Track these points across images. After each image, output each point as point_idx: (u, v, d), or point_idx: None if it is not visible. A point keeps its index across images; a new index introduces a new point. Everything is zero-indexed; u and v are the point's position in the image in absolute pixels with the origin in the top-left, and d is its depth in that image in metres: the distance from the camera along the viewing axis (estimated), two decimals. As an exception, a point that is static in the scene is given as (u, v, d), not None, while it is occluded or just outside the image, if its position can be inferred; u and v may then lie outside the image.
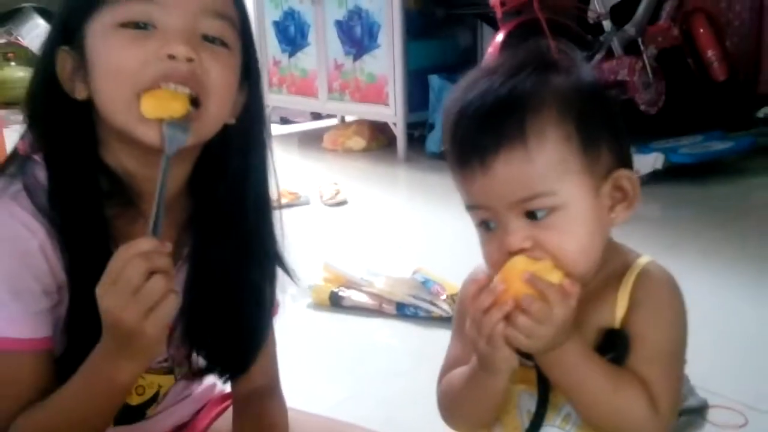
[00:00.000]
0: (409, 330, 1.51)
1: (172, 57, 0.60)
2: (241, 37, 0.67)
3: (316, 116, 3.99)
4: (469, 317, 0.61)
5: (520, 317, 0.57)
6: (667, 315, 0.63)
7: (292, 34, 3.48)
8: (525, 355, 0.63)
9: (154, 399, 0.77)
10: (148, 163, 0.64)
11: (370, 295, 1.58)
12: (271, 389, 0.81)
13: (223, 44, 0.64)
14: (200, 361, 0.76)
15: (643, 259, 0.65)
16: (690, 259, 1.75)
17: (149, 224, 0.60)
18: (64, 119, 0.65)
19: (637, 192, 0.63)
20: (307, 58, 3.43)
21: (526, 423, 0.66)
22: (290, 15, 3.48)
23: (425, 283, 1.56)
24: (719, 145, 2.55)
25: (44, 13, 4.80)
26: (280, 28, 3.54)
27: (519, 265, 0.58)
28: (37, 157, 0.66)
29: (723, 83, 2.79)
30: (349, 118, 3.61)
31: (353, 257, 1.78)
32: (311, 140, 3.48)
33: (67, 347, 0.66)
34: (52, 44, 0.66)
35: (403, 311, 1.55)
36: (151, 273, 0.57)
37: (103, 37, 0.62)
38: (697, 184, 2.41)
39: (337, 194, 2.46)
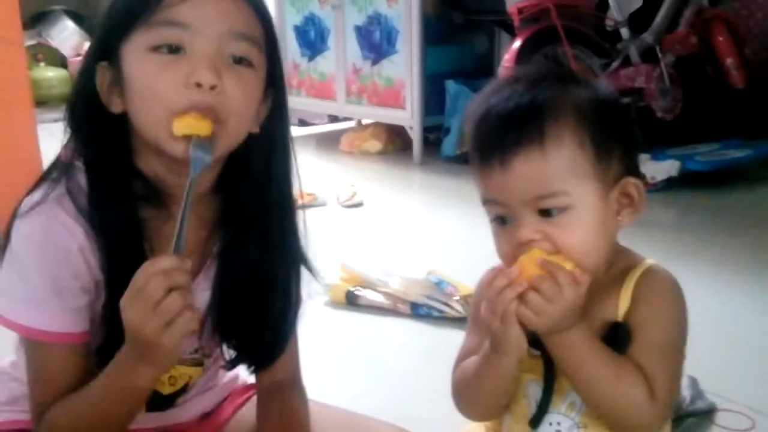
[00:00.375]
0: (423, 329, 1.54)
1: (199, 84, 0.65)
2: (267, 50, 0.71)
3: (333, 119, 4.04)
4: (484, 301, 0.65)
5: (532, 294, 0.62)
6: (667, 311, 0.67)
7: (312, 39, 3.54)
8: (533, 345, 0.67)
9: (184, 389, 0.81)
10: (177, 171, 0.69)
11: (386, 294, 1.61)
12: (293, 382, 0.85)
13: (248, 64, 0.69)
14: (229, 353, 0.80)
15: (648, 261, 0.69)
16: (703, 266, 1.76)
17: (172, 242, 0.63)
18: (102, 129, 0.70)
19: (642, 198, 0.67)
20: (326, 62, 3.49)
21: (534, 411, 0.69)
22: (311, 20, 3.53)
23: (439, 284, 1.58)
24: (737, 153, 2.55)
25: (74, 16, 4.93)
26: (301, 32, 3.60)
27: (535, 254, 0.63)
28: (78, 163, 0.71)
29: (741, 91, 2.78)
30: (365, 121, 3.65)
31: (369, 258, 1.81)
32: (328, 142, 3.52)
33: (105, 339, 0.70)
34: (92, 59, 0.71)
35: (417, 311, 1.57)
36: (171, 289, 0.60)
37: (138, 60, 0.67)
38: (713, 192, 2.41)
39: (353, 196, 2.50)
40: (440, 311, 1.54)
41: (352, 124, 3.82)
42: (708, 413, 1.13)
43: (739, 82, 2.76)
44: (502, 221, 0.66)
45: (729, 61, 2.74)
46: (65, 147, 0.73)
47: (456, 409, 0.75)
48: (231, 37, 0.67)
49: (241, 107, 0.68)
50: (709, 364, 1.22)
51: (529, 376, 0.70)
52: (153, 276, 0.60)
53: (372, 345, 1.50)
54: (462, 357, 0.75)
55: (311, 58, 3.58)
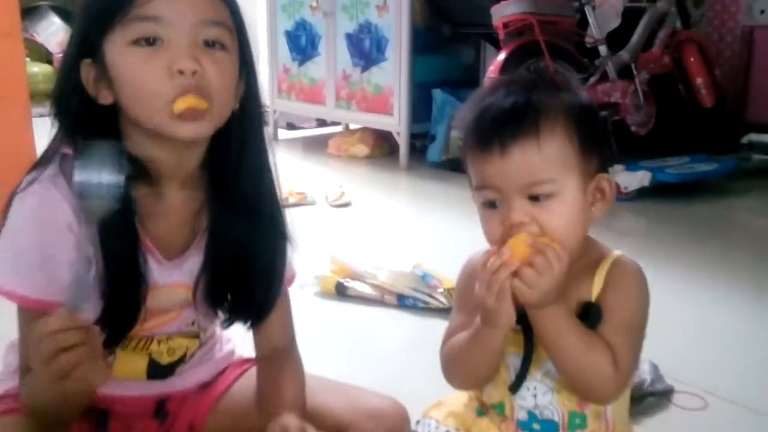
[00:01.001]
0: (408, 319, 1.61)
1: (181, 72, 0.72)
2: (237, 35, 0.77)
3: (321, 123, 4.12)
4: (478, 280, 0.72)
5: (526, 269, 0.70)
6: (633, 296, 0.75)
7: (303, 44, 3.61)
8: (516, 321, 0.74)
9: (182, 359, 0.88)
10: (170, 149, 0.76)
11: (373, 286, 1.68)
12: (289, 348, 0.91)
13: (222, 46, 0.75)
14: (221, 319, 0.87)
15: (616, 252, 0.78)
16: (672, 270, 1.87)
17: (67, 300, 0.66)
18: (92, 120, 0.76)
19: (612, 194, 0.76)
20: (317, 68, 3.56)
21: (514, 378, 0.78)
22: (302, 26, 3.60)
23: (424, 277, 1.66)
24: (704, 167, 2.68)
25: (60, 12, 4.92)
26: (292, 37, 3.66)
27: (523, 237, 0.71)
28: (68, 150, 0.77)
29: (710, 109, 2.91)
30: (352, 126, 3.72)
31: (357, 253, 1.88)
32: (316, 145, 3.60)
33: (103, 311, 0.76)
34: (74, 57, 0.76)
35: (403, 302, 1.65)
36: (62, 349, 0.63)
37: (121, 55, 0.73)
38: (682, 202, 2.54)
39: (342, 196, 2.58)
40: (425, 302, 1.62)
41: (339, 128, 3.90)
42: (666, 394, 1.23)
43: (709, 101, 2.89)
44: (491, 205, 0.74)
45: (699, 81, 2.88)
46: (54, 140, 0.78)
47: (445, 382, 0.81)
48: (203, 24, 0.74)
49: (221, 86, 0.74)
50: (670, 352, 1.34)
51: (510, 349, 0.78)
52: (42, 338, 0.63)
53: (359, 333, 1.57)
54: (449, 334, 0.83)
55: (302, 63, 3.65)
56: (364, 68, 3.29)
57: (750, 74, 3.25)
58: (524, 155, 0.71)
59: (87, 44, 0.75)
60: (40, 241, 0.74)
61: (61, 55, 2.96)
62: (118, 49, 0.73)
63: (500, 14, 2.61)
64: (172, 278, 0.81)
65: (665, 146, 2.88)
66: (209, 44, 0.74)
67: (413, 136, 3.22)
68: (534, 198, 0.72)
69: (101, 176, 0.71)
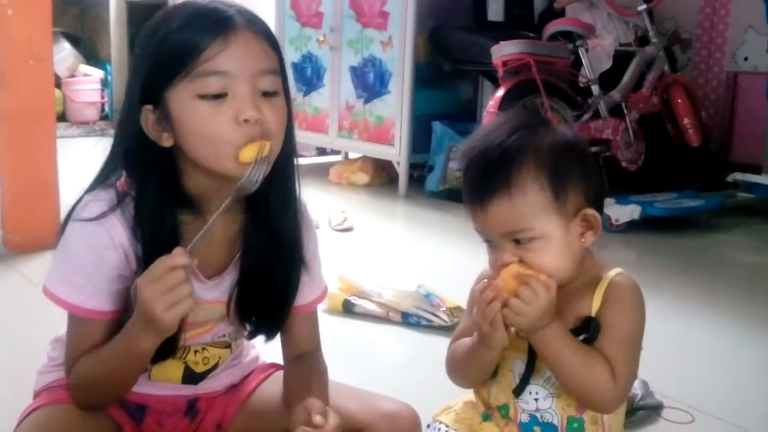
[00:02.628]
0: (412, 336, 1.67)
1: (247, 121, 0.78)
2: (282, 76, 0.83)
3: (321, 152, 4.23)
4: (476, 306, 0.80)
5: (513, 299, 0.77)
6: (630, 311, 0.81)
7: (309, 75, 3.70)
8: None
9: (214, 367, 0.95)
10: (221, 181, 0.84)
11: (379, 304, 1.75)
12: (315, 353, 0.98)
13: (275, 92, 0.82)
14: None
15: (615, 270, 0.84)
16: (661, 299, 1.94)
17: (191, 244, 0.78)
18: (151, 160, 0.82)
19: (599, 223, 0.82)
20: (321, 98, 3.65)
21: (517, 382, 0.85)
22: (309, 58, 3.72)
23: (428, 296, 1.73)
24: (691, 203, 2.77)
25: (70, 38, 5.00)
26: (298, 69, 3.75)
27: (513, 269, 0.79)
28: (123, 184, 0.84)
29: (696, 149, 3.01)
30: (352, 155, 3.82)
31: (361, 273, 1.93)
32: (317, 173, 3.67)
33: None
34: (136, 103, 0.81)
35: (407, 320, 1.71)
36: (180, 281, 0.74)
37: (188, 107, 0.78)
38: (670, 236, 2.63)
39: (344, 221, 2.65)
40: (428, 320, 1.68)
41: (339, 157, 4.01)
42: (656, 408, 1.30)
43: (695, 140, 2.99)
44: (490, 243, 0.83)
45: (686, 121, 2.98)
46: (105, 170, 0.85)
47: (445, 394, 0.89)
48: (261, 74, 0.80)
49: (279, 129, 0.82)
50: (660, 371, 1.41)
51: (515, 354, 0.84)
52: (175, 269, 0.74)
53: (365, 349, 1.62)
54: (457, 336, 0.90)
55: (306, 93, 3.74)
56: (367, 100, 3.39)
57: (734, 117, 3.39)
58: (500, 210, 0.78)
59: (149, 92, 0.81)
60: (94, 257, 0.82)
61: (70, 79, 3.09)
62: (184, 100, 0.79)
63: (500, 53, 2.74)
64: (212, 296, 0.88)
65: (654, 182, 2.97)
66: (265, 93, 0.81)
67: (412, 167, 3.30)
68: (518, 241, 0.79)
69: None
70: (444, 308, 1.69)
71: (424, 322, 1.70)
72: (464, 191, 0.83)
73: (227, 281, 0.89)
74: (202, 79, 0.78)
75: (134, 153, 0.83)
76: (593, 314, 0.81)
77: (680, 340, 1.72)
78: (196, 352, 0.92)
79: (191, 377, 0.93)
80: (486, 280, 0.81)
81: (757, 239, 2.72)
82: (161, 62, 0.79)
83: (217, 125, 0.78)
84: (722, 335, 1.77)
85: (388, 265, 2.27)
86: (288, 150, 0.87)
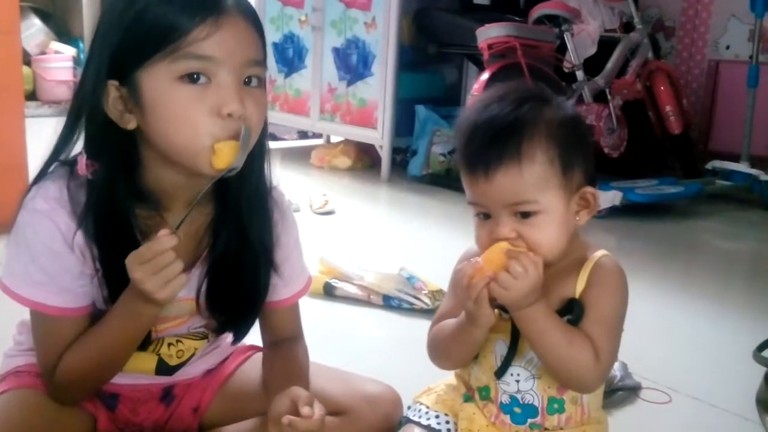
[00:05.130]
0: (393, 319, 1.67)
1: (230, 115, 0.73)
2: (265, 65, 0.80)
3: (302, 135, 4.18)
4: (458, 285, 0.80)
5: (502, 273, 0.76)
6: (614, 293, 0.82)
7: (290, 56, 3.65)
8: (504, 310, 0.82)
9: (190, 358, 0.92)
10: (185, 175, 0.79)
11: (360, 287, 1.73)
12: (296, 338, 0.97)
13: (259, 82, 0.78)
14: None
15: (600, 251, 0.85)
16: (640, 280, 1.95)
17: (175, 226, 0.75)
18: (109, 141, 0.76)
19: (597, 203, 0.82)
20: (302, 80, 3.60)
21: (499, 364, 0.85)
22: (290, 38, 3.66)
23: (410, 279, 1.72)
24: (671, 189, 2.80)
25: (41, 14, 4.87)
26: (279, 49, 3.70)
27: (502, 245, 0.78)
28: (78, 165, 0.77)
29: (678, 136, 3.05)
30: (334, 139, 3.78)
31: (342, 256, 1.92)
32: (298, 156, 3.64)
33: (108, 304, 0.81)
34: (101, 75, 0.75)
35: (388, 303, 1.70)
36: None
37: (166, 89, 0.73)
38: (650, 222, 2.66)
39: (326, 204, 2.63)
40: (410, 303, 1.67)
41: (320, 141, 3.97)
42: (634, 389, 1.32)
43: (677, 128, 3.02)
44: (484, 216, 0.81)
45: (668, 108, 3.01)
46: (57, 150, 0.79)
47: (425, 376, 0.88)
48: (249, 64, 0.75)
49: (259, 123, 0.79)
50: (638, 353, 1.42)
51: (497, 335, 0.84)
52: (167, 251, 0.72)
53: (346, 332, 1.61)
54: (439, 317, 0.90)
55: (288, 74, 3.69)
56: (350, 82, 3.36)
57: (714, 106, 3.42)
58: (507, 180, 0.77)
59: (117, 66, 0.74)
60: (51, 262, 0.78)
61: (40, 56, 2.98)
62: (160, 81, 0.73)
63: (485, 36, 2.72)
64: (180, 293, 0.83)
65: (635, 169, 3.01)
66: (248, 82, 0.76)
67: (394, 151, 3.28)
68: (519, 214, 0.78)
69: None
70: (426, 291, 1.69)
71: (405, 305, 1.69)
72: (464, 162, 0.81)
73: (195, 278, 0.86)
74: (186, 61, 0.72)
75: (91, 133, 0.77)
76: (577, 295, 0.81)
77: (658, 322, 1.74)
78: (170, 345, 0.89)
79: (165, 369, 0.90)
80: (474, 258, 0.80)
81: (733, 226, 2.76)
82: (138, 37, 0.73)
83: (196, 112, 0.73)
84: (699, 317, 1.80)
85: (370, 248, 2.26)
86: (261, 142, 0.83)
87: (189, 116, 0.73)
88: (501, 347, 0.85)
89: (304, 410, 0.77)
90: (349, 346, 1.54)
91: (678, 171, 3.12)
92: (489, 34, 2.71)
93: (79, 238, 0.77)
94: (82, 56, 4.81)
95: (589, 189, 0.81)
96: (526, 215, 0.78)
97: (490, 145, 0.77)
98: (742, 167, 2.94)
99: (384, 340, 1.60)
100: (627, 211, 2.66)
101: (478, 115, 0.80)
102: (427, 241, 2.39)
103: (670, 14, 3.60)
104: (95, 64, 0.76)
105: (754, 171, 2.90)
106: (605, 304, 0.81)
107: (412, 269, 1.79)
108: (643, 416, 1.27)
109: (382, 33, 3.18)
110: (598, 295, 0.80)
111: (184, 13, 0.72)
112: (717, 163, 3.04)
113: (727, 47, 3.45)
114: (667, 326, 1.73)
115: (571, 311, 0.81)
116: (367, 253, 2.15)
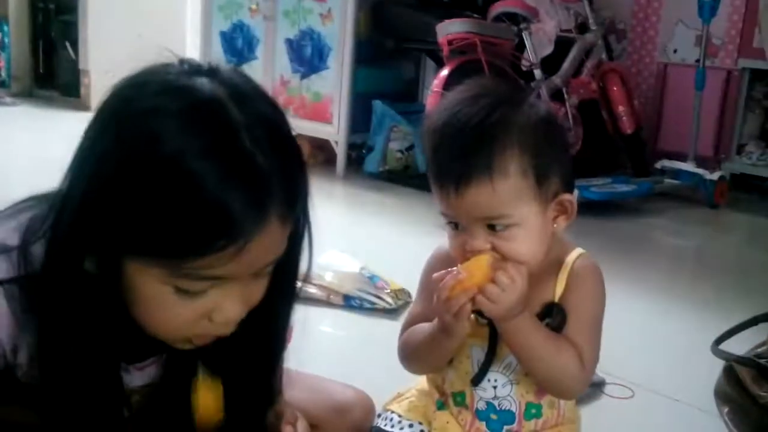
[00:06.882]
0: (354, 320, 1.62)
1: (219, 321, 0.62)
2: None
3: (255, 129, 4.06)
4: (436, 295, 0.75)
5: (489, 286, 0.72)
6: (593, 296, 0.80)
7: (239, 47, 3.53)
8: (481, 315, 0.78)
9: None
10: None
11: (319, 287, 1.67)
12: None
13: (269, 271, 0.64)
14: None
15: (577, 251, 0.82)
16: None
17: None
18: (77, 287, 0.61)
19: (574, 209, 0.79)
20: (253, 72, 3.44)
21: (476, 369, 0.81)
22: (239, 27, 3.54)
23: (372, 279, 1.67)
24: (624, 188, 2.87)
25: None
26: (227, 38, 3.57)
27: (485, 259, 0.73)
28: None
29: (629, 136, 3.12)
30: (289, 134, 3.71)
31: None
32: (251, 150, 3.54)
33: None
34: (78, 247, 0.59)
35: (349, 303, 1.66)
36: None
37: (154, 291, 0.60)
38: (603, 219, 2.70)
39: (280, 200, 2.55)
40: (371, 303, 1.63)
41: (274, 135, 3.85)
42: (599, 385, 1.35)
43: (628, 127, 3.09)
44: (456, 226, 0.76)
45: (621, 108, 3.07)
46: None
47: (392, 379, 0.85)
48: (264, 268, 0.63)
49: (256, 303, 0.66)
50: (601, 349, 1.43)
51: (473, 340, 0.80)
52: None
53: (306, 332, 1.55)
54: (409, 322, 0.85)
55: (237, 66, 3.58)
56: (304, 75, 3.28)
57: (663, 106, 3.53)
58: (478, 196, 0.72)
59: (104, 247, 0.59)
60: None
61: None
62: (149, 281, 0.60)
63: (445, 31, 2.69)
64: (141, 382, 0.73)
65: (589, 167, 3.05)
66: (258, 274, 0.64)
67: (350, 146, 3.23)
68: (492, 227, 0.74)
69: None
70: (388, 290, 1.65)
71: (367, 305, 1.65)
72: (433, 171, 0.75)
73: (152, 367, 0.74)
74: (188, 281, 0.59)
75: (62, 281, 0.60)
76: (557, 299, 0.79)
77: (618, 318, 1.74)
78: None
79: None
80: (454, 269, 0.75)
81: (681, 223, 2.86)
82: (132, 228, 0.57)
83: (179, 317, 0.62)
84: (651, 312, 1.85)
85: (328, 247, 2.19)
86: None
87: (172, 319, 0.62)
88: (477, 352, 0.81)
89: (286, 429, 0.72)
90: (309, 347, 1.46)
91: (629, 169, 3.19)
92: (449, 29, 2.69)
93: (14, 329, 0.64)
94: (6, 40, 4.50)
95: (566, 196, 0.77)
96: (498, 228, 0.74)
97: (460, 157, 0.72)
98: (689, 167, 3.04)
99: (345, 340, 1.56)
100: (582, 208, 2.65)
101: (447, 119, 0.75)
102: (385, 238, 2.34)
103: (621, 17, 3.68)
104: (71, 232, 0.59)
105: (700, 170, 3.01)
106: (586, 309, 0.79)
107: (374, 268, 1.74)
108: (608, 410, 1.29)
109: (338, 25, 3.11)
110: (579, 299, 0.79)
111: (206, 229, 0.56)
112: (666, 163, 3.14)
113: (675, 51, 3.56)
114: (627, 322, 1.74)
115: (551, 315, 0.78)
116: (323, 251, 2.08)
